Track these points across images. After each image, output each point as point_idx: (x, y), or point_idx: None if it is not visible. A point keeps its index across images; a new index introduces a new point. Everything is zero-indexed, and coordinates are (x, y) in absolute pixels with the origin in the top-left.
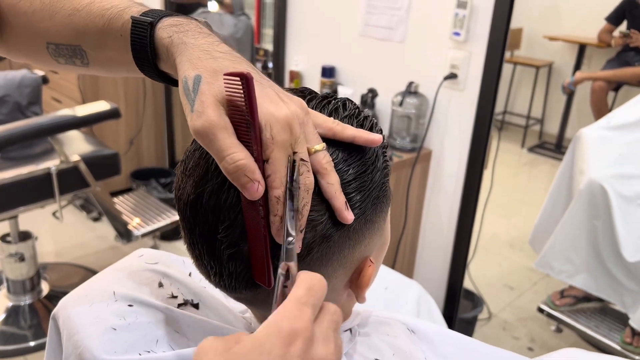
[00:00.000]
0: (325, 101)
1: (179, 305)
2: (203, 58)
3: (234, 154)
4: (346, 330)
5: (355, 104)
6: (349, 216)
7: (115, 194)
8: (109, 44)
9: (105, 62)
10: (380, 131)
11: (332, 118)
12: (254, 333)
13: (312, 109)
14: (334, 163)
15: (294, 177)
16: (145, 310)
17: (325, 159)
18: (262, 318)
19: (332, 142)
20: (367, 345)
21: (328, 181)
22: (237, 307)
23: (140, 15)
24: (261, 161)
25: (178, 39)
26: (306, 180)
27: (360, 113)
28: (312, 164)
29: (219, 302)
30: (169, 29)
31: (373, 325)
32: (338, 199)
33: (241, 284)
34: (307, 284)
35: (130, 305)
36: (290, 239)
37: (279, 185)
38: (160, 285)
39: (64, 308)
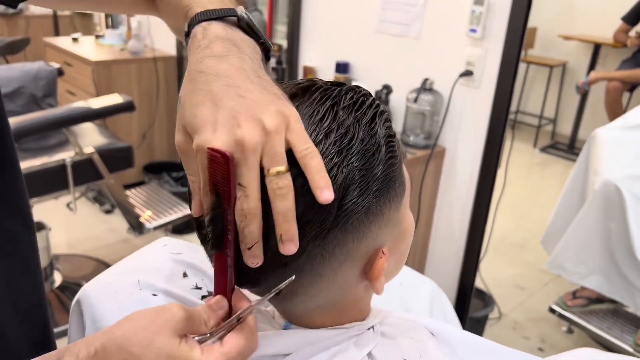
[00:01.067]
0: (328, 92)
1: (203, 297)
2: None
3: (189, 176)
4: (369, 329)
5: (361, 92)
6: (290, 249)
7: (127, 186)
8: None
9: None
10: (387, 120)
11: (310, 143)
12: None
13: (311, 99)
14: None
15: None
16: (169, 300)
17: (277, 184)
18: (283, 312)
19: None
20: (394, 348)
21: (274, 208)
22: None
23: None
24: (232, 231)
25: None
26: (242, 205)
27: (363, 103)
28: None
29: None
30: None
31: (398, 327)
32: (281, 227)
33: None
34: (243, 349)
35: (154, 295)
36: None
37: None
38: (185, 275)
39: (88, 294)
